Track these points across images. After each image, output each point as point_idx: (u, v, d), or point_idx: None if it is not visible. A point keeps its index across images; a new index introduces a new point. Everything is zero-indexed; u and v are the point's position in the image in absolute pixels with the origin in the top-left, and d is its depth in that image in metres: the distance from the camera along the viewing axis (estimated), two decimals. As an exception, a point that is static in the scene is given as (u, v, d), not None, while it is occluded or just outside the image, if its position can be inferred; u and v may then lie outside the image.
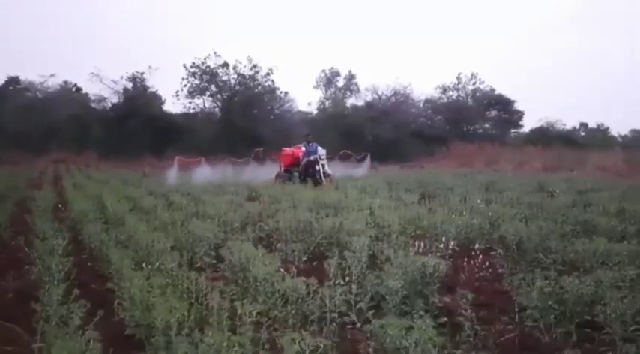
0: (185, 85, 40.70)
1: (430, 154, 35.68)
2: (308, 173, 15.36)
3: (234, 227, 7.11)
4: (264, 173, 18.48)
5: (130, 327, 3.53)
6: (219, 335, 2.62)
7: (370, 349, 2.73)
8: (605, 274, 3.87)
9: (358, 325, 3.66)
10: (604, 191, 11.37)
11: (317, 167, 15.33)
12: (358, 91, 47.94)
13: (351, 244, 5.04)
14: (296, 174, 15.86)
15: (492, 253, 6.01)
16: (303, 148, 16.07)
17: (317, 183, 14.54)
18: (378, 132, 37.59)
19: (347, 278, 4.19)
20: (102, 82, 38.60)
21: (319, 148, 15.82)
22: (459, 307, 3.66)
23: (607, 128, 47.42)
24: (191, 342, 2.72)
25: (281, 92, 42.69)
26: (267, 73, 41.26)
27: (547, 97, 74.19)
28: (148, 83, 40.12)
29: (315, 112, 46.02)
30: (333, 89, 48.62)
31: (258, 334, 2.91)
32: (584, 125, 48.96)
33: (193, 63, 40.58)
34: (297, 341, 2.57)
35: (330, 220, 6.74)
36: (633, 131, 46.26)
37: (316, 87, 49.10)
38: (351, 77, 48.34)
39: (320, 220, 6.84)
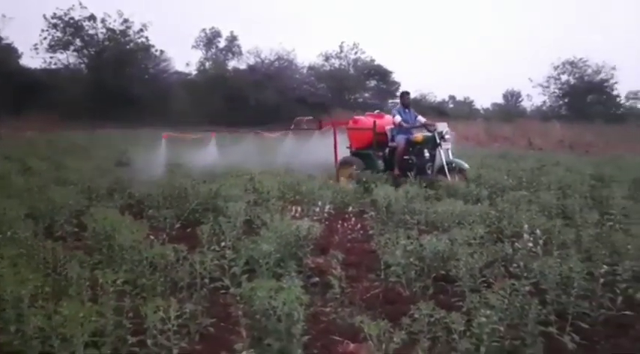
0: (45, 38, 36.92)
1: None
2: (408, 163, 8.80)
3: (100, 194, 6.68)
4: (312, 154, 11.51)
5: (-27, 302, 3.18)
6: (76, 305, 2.45)
7: (240, 312, 2.73)
8: (459, 232, 4.23)
9: (231, 290, 3.64)
10: (465, 158, 12.38)
11: (427, 153, 8.73)
12: (240, 53, 46.95)
13: (227, 209, 4.99)
14: (380, 162, 9.11)
15: (365, 215, 6.29)
16: (397, 117, 9.03)
17: (428, 180, 8.03)
18: (260, 97, 37.22)
19: (222, 244, 4.16)
20: (-56, 30, 33.63)
21: (439, 124, 8.88)
22: (330, 268, 3.82)
23: (472, 101, 51.77)
24: (45, 314, 2.53)
25: (156, 50, 40.47)
26: (141, 30, 38.85)
27: (421, 70, 78.66)
28: (2, 34, 35.70)
29: (194, 73, 44.32)
30: (213, 50, 47.02)
31: (122, 303, 2.77)
32: (452, 98, 52.93)
33: (55, 14, 36.88)
34: (161, 308, 2.50)
35: (206, 186, 6.58)
36: (494, 105, 51.09)
37: (195, 47, 47.17)
38: (232, 39, 47.05)
39: (196, 186, 6.66)
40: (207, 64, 45.04)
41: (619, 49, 72.33)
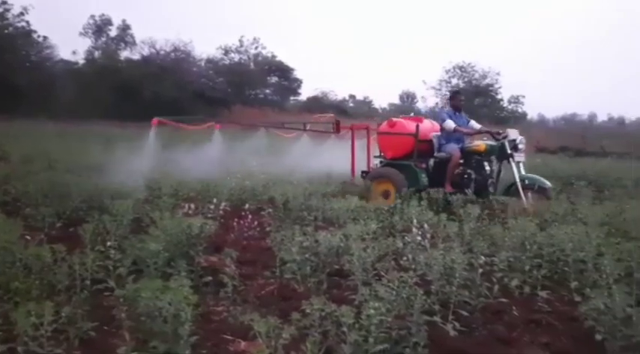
0: None
1: (212, 116, 35.38)
2: (464, 178, 7.21)
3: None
4: (327, 159, 9.83)
5: None
6: None
7: (123, 314, 2.58)
8: (354, 228, 4.32)
9: (116, 291, 3.44)
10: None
11: (488, 167, 7.22)
12: (134, 43, 44.56)
13: (114, 207, 4.72)
14: (423, 176, 7.39)
15: (262, 212, 6.25)
16: (449, 122, 7.45)
17: (487, 199, 6.60)
18: (156, 89, 35.61)
19: (108, 243, 3.93)
20: None
21: (510, 130, 7.20)
22: (224, 266, 3.74)
23: (371, 101, 53.83)
24: None
25: (39, 36, 37.34)
26: (21, 13, 35.63)
27: (322, 69, 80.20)
28: None
29: (82, 62, 41.42)
30: (104, 39, 44.26)
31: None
32: (352, 97, 54.59)
33: None
34: (34, 313, 2.30)
35: (92, 182, 6.18)
36: (390, 104, 53.61)
37: (84, 34, 44.14)
38: (125, 27, 44.57)
39: (81, 183, 6.23)
40: (96, 53, 42.29)
41: (503, 56, 78.89)
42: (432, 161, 7.61)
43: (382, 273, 3.74)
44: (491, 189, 7.01)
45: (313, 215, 5.81)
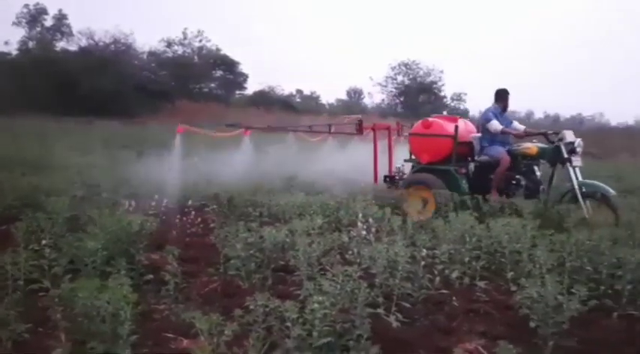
0: None
1: (155, 110, 34.40)
2: (511, 184, 6.50)
3: None
4: (353, 165, 9.16)
5: None
6: None
7: (58, 315, 2.47)
8: (300, 223, 4.33)
9: (51, 291, 3.29)
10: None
11: (539, 172, 6.64)
12: (71, 34, 42.56)
13: (49, 204, 4.51)
14: (464, 182, 6.69)
15: (206, 209, 6.15)
16: (495, 122, 6.69)
17: (541, 207, 6.03)
18: (95, 83, 34.14)
19: (43, 242, 3.77)
20: None
21: (567, 132, 6.39)
22: (166, 263, 3.65)
23: (318, 96, 53.98)
24: None
25: (-31, 26, 35.07)
26: (-52, 0, 33.24)
27: (268, 63, 79.76)
28: None
29: (15, 53, 39.28)
30: (39, 29, 42.10)
31: None
32: (300, 92, 54.49)
33: None
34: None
35: (26, 179, 5.89)
36: (338, 100, 54.01)
37: (17, 24, 41.86)
38: (61, 17, 42.54)
39: (15, 180, 5.93)
40: (30, 44, 40.17)
41: (446, 54, 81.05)
42: (472, 166, 6.95)
43: (327, 267, 3.77)
44: (542, 196, 6.40)
45: (259, 211, 5.78)
